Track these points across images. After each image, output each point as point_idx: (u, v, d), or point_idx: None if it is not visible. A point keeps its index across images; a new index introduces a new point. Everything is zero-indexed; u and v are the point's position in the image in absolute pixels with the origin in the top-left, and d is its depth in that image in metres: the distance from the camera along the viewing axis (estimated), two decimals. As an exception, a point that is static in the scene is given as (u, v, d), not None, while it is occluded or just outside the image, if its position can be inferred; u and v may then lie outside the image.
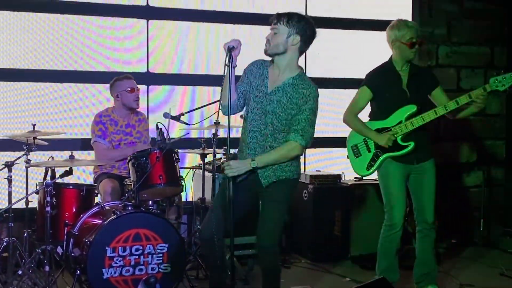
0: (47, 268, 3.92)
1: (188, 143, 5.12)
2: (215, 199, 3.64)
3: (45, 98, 5.09)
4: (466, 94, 3.98)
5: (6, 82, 4.99)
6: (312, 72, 3.56)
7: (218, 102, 3.47)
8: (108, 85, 4.79)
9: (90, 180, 4.93)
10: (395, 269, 4.18)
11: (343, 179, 5.41)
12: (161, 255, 3.90)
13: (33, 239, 4.31)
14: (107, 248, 3.77)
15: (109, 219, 3.84)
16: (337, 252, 5.22)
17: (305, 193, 5.26)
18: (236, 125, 3.90)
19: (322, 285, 4.66)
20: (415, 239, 4.28)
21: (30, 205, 4.37)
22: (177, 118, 4.45)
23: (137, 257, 3.84)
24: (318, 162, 5.87)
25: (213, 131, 4.66)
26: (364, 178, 4.85)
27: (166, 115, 4.26)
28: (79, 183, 4.76)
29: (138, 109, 4.85)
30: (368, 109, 4.25)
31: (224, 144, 4.88)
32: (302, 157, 5.59)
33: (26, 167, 4.29)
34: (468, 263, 5.29)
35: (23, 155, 4.20)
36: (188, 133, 4.43)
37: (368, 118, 4.24)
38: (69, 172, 4.01)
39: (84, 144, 5.04)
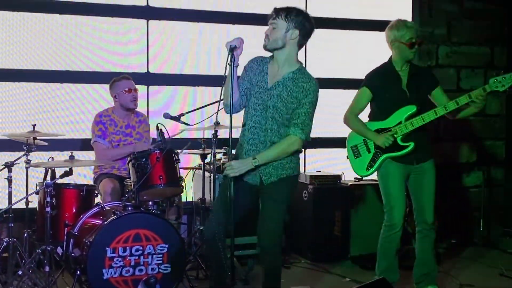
0: (47, 269, 3.91)
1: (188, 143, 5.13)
2: (216, 200, 3.64)
3: (45, 98, 5.09)
4: (466, 94, 3.97)
5: (6, 82, 5.00)
6: (312, 72, 3.57)
7: (219, 102, 3.48)
8: (107, 85, 4.79)
9: (90, 178, 4.93)
10: (395, 270, 4.18)
11: (343, 179, 5.42)
12: (161, 255, 3.90)
13: (33, 240, 4.31)
14: (107, 248, 3.77)
15: (109, 220, 3.84)
16: (337, 252, 5.23)
17: (305, 193, 5.26)
18: (237, 125, 3.90)
19: (322, 285, 4.66)
20: (414, 239, 4.28)
21: (30, 206, 4.37)
22: (177, 119, 4.44)
23: (137, 257, 3.85)
24: (318, 162, 5.86)
25: (213, 131, 4.66)
26: (364, 178, 4.86)
27: (166, 115, 4.26)
28: (79, 183, 4.76)
29: (137, 110, 4.85)
30: (368, 109, 4.25)
31: (224, 144, 4.90)
32: (302, 157, 5.66)
33: (26, 168, 4.29)
34: (468, 263, 5.30)
35: (23, 155, 4.20)
36: (189, 126, 4.44)
37: (368, 119, 4.25)
38: (69, 173, 4.01)
39: (84, 145, 5.04)
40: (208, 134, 4.83)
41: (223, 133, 5.16)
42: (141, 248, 3.85)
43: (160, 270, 3.90)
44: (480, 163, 6.25)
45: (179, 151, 4.24)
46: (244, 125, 3.53)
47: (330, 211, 5.22)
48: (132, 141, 4.74)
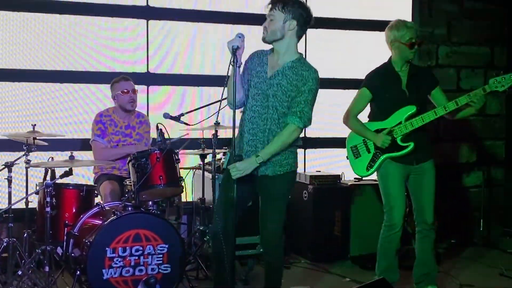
0: (47, 269, 3.91)
1: (188, 143, 5.13)
2: (218, 200, 3.63)
3: (45, 98, 5.09)
4: (465, 95, 3.98)
5: (6, 82, 4.99)
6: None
7: (221, 101, 3.48)
8: (107, 85, 4.80)
9: (90, 178, 4.93)
10: (395, 270, 4.18)
11: (343, 179, 5.42)
12: (161, 255, 3.90)
13: (33, 240, 4.31)
14: (107, 248, 3.77)
15: (109, 220, 3.84)
16: (337, 252, 5.23)
17: (305, 193, 5.26)
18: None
19: (322, 285, 4.66)
20: (414, 239, 4.27)
21: (30, 206, 4.38)
22: (176, 119, 4.44)
23: (137, 257, 3.85)
24: (318, 161, 5.87)
25: (213, 131, 4.66)
26: (363, 178, 4.85)
27: (165, 115, 4.26)
28: (79, 183, 4.76)
29: (138, 110, 4.86)
30: (367, 109, 4.25)
31: (224, 144, 4.91)
32: (302, 157, 5.71)
33: (26, 168, 4.30)
34: (468, 263, 5.30)
35: (23, 155, 4.20)
36: (188, 134, 4.44)
37: (368, 119, 4.25)
38: (69, 173, 4.01)
39: (84, 145, 5.04)
40: (208, 134, 4.82)
41: (223, 133, 5.17)
42: (141, 248, 3.85)
43: (160, 270, 3.90)
44: (480, 163, 6.25)
45: (177, 150, 4.23)
46: (243, 114, 3.53)
47: (330, 211, 5.22)
48: (131, 142, 4.74)
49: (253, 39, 3.82)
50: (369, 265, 4.84)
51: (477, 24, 6.18)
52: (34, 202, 4.41)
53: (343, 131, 4.31)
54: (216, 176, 4.69)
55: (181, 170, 4.31)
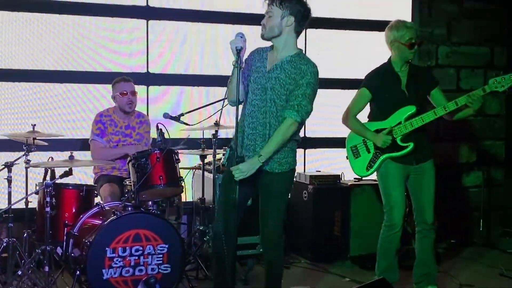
0: (46, 269, 3.91)
1: (188, 143, 5.13)
2: (219, 201, 3.63)
3: (45, 98, 5.08)
4: (465, 95, 3.98)
5: (6, 82, 4.99)
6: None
7: (223, 101, 3.48)
8: (107, 86, 4.80)
9: (90, 177, 4.92)
10: (395, 270, 4.18)
11: (343, 179, 5.41)
12: (161, 255, 3.90)
13: (32, 240, 4.31)
14: (107, 248, 3.77)
15: (109, 220, 3.84)
16: (337, 252, 5.22)
17: (305, 193, 5.26)
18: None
19: (321, 285, 4.66)
20: (414, 239, 4.27)
21: (30, 206, 4.37)
22: (176, 119, 4.44)
23: (137, 257, 3.85)
24: (318, 162, 5.86)
25: (213, 131, 4.67)
26: (363, 178, 4.85)
27: (165, 115, 4.26)
28: (79, 183, 4.76)
29: (138, 111, 4.86)
30: (367, 109, 4.25)
31: (224, 144, 4.90)
32: (302, 157, 5.71)
33: (26, 168, 4.29)
34: (467, 263, 5.30)
35: (23, 155, 4.20)
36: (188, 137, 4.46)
37: (367, 119, 4.25)
38: (68, 173, 4.01)
39: (84, 145, 5.03)
40: (208, 134, 4.82)
41: (224, 134, 5.17)
42: (141, 248, 3.85)
43: (160, 270, 3.90)
44: (480, 163, 6.25)
45: (176, 147, 4.23)
46: (243, 109, 3.54)
47: (330, 211, 5.22)
48: (131, 142, 4.74)
49: (253, 39, 3.82)
50: (369, 265, 4.84)
51: (477, 24, 6.18)
52: (34, 202, 4.40)
53: (343, 131, 4.31)
54: (216, 176, 4.69)
55: (181, 170, 4.31)
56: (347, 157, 4.27)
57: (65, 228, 4.06)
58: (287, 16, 3.40)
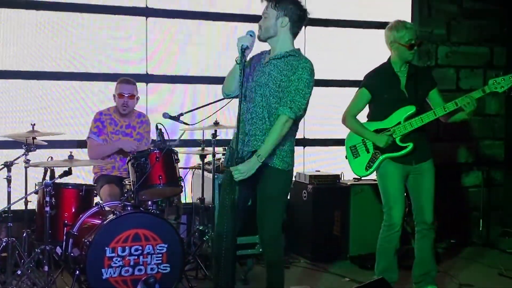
0: (46, 268, 3.91)
1: (188, 143, 5.13)
2: (221, 202, 3.62)
3: (45, 98, 5.08)
4: (465, 96, 3.97)
5: (5, 82, 4.99)
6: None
7: (224, 101, 3.48)
8: (107, 85, 4.80)
9: (90, 175, 4.92)
10: (394, 269, 4.18)
11: (342, 179, 5.42)
12: (160, 255, 3.90)
13: (32, 239, 4.31)
14: (106, 248, 3.77)
15: (109, 219, 3.84)
16: (336, 252, 5.23)
17: (305, 193, 5.26)
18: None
19: (321, 285, 4.66)
20: (414, 239, 4.28)
21: (30, 205, 4.38)
22: (176, 118, 4.43)
23: (136, 257, 3.85)
24: (318, 162, 5.86)
25: (213, 131, 4.66)
26: (362, 178, 4.85)
27: (165, 115, 4.26)
28: (79, 183, 4.76)
29: (139, 110, 4.86)
30: (366, 109, 4.25)
31: (223, 144, 4.90)
32: (301, 157, 5.71)
33: (25, 167, 4.29)
34: (467, 263, 5.30)
35: (23, 155, 4.20)
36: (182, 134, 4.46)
37: (367, 119, 4.25)
38: (68, 172, 4.01)
39: (83, 144, 5.03)
40: (208, 134, 4.82)
41: (224, 134, 5.17)
42: (140, 248, 3.85)
43: (159, 270, 3.90)
44: (479, 163, 6.24)
45: (172, 144, 4.22)
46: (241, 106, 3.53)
47: (329, 211, 5.22)
48: (132, 141, 4.74)
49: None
50: (369, 265, 4.85)
51: (477, 24, 6.18)
52: (33, 202, 4.40)
53: (343, 131, 4.31)
54: (216, 176, 4.69)
55: (180, 170, 4.31)
56: (346, 157, 4.27)
57: (65, 228, 4.06)
58: (282, 17, 3.42)
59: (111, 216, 3.87)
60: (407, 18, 5.83)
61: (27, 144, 4.19)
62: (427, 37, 5.94)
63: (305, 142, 5.72)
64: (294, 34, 3.50)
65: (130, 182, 4.21)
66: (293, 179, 3.68)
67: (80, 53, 5.14)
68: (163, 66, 5.39)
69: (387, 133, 4.06)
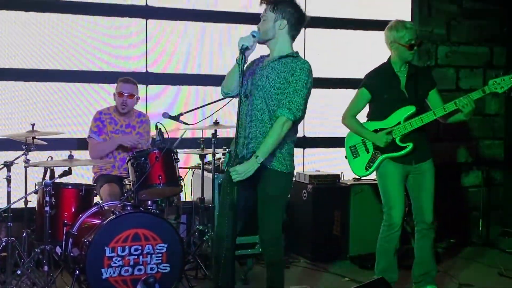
0: (46, 268, 3.92)
1: (188, 143, 5.13)
2: (221, 203, 3.62)
3: (45, 98, 5.08)
4: (465, 96, 3.97)
5: (5, 82, 4.99)
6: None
7: (223, 100, 3.48)
8: (107, 85, 4.80)
9: (90, 176, 4.92)
10: (394, 269, 4.18)
11: (342, 179, 5.42)
12: (160, 255, 3.90)
13: (32, 239, 4.31)
14: (106, 248, 3.77)
15: (108, 219, 3.84)
16: (336, 252, 5.23)
17: (304, 193, 5.26)
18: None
19: (321, 285, 4.66)
20: (414, 239, 4.28)
21: (29, 205, 4.37)
22: (176, 118, 4.43)
23: (136, 257, 3.85)
24: (317, 162, 5.86)
25: (213, 131, 4.66)
26: (362, 178, 4.85)
27: (165, 115, 4.26)
28: (78, 183, 4.75)
29: (139, 110, 4.86)
30: (366, 109, 4.25)
31: (223, 144, 4.90)
32: (301, 157, 5.71)
33: (25, 167, 4.29)
34: (467, 263, 5.30)
35: (22, 154, 4.20)
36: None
37: (366, 119, 4.25)
38: (68, 172, 4.01)
39: (83, 144, 5.03)
40: (208, 134, 4.82)
41: (224, 134, 5.17)
42: (140, 247, 3.85)
43: (159, 269, 3.90)
44: (479, 163, 6.25)
45: (173, 145, 4.23)
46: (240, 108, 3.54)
47: (329, 211, 5.22)
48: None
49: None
50: (368, 264, 4.85)
51: (477, 24, 6.18)
52: (33, 202, 4.40)
53: (342, 131, 4.31)
54: (216, 176, 4.69)
55: (180, 170, 4.31)
56: (346, 157, 4.27)
57: (64, 228, 4.06)
58: (280, 20, 3.42)
59: (111, 216, 3.87)
60: (407, 18, 5.83)
61: (27, 144, 4.19)
62: (427, 37, 5.94)
63: (305, 142, 5.71)
64: (293, 37, 3.49)
65: (130, 182, 4.21)
66: (293, 179, 3.65)
67: (80, 52, 5.14)
68: (163, 65, 5.39)
69: (384, 131, 4.06)
